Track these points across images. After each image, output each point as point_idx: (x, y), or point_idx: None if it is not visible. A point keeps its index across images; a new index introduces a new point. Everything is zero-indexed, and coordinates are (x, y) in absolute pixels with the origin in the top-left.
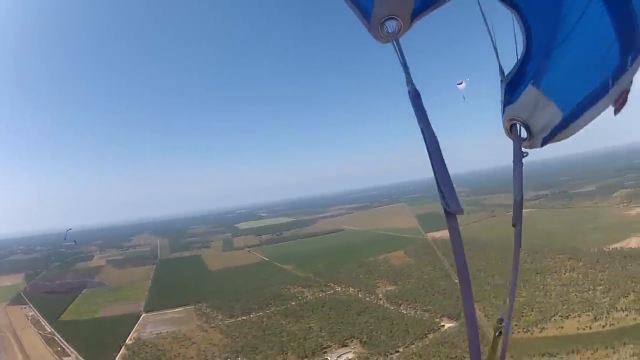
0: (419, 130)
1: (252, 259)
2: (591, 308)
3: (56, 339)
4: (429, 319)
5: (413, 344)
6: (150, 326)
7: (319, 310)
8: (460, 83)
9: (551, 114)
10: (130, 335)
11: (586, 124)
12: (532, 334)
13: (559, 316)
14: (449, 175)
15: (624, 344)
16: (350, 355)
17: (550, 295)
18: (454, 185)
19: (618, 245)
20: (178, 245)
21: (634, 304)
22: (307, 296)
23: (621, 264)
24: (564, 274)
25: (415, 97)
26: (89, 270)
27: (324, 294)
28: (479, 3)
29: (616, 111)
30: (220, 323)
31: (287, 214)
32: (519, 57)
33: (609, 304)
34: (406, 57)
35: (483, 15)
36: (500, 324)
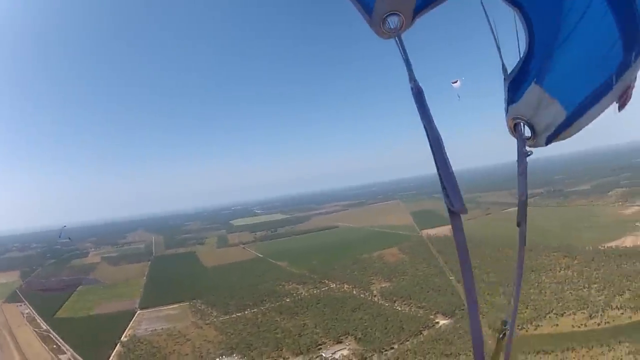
0: (421, 127)
1: (246, 255)
2: (586, 306)
3: (52, 336)
4: (423, 316)
5: (408, 340)
6: (145, 323)
7: (314, 306)
8: (455, 82)
9: (555, 113)
10: (125, 333)
11: (590, 122)
12: (526, 331)
13: (554, 314)
14: (452, 173)
15: (619, 342)
16: (345, 352)
17: (545, 292)
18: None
19: (613, 243)
20: (173, 242)
21: (630, 302)
22: (302, 293)
23: (616, 263)
24: (559, 271)
25: (418, 94)
26: (84, 267)
27: (318, 290)
28: (481, 0)
29: (620, 107)
30: (215, 320)
31: (282, 210)
32: (521, 55)
33: (604, 302)
34: (408, 54)
35: (485, 12)
36: (505, 326)
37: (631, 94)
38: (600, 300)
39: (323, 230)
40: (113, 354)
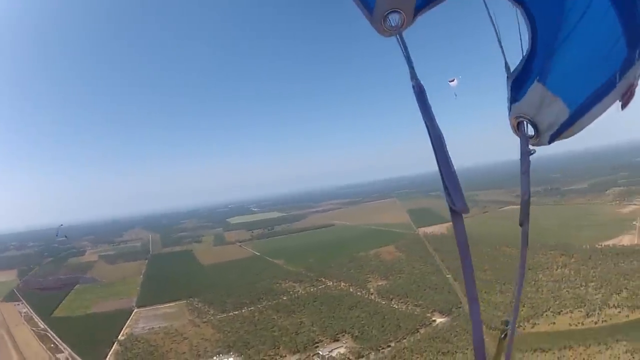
0: (422, 125)
1: (243, 253)
2: (583, 304)
3: (49, 335)
4: (420, 314)
5: (405, 338)
6: (143, 321)
7: (311, 304)
8: (452, 80)
9: (558, 111)
10: (122, 331)
11: (593, 120)
12: (524, 329)
13: (551, 312)
14: (455, 172)
15: (617, 340)
16: (342, 350)
17: (542, 291)
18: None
19: (610, 242)
20: (170, 240)
21: (627, 300)
22: (299, 291)
23: (613, 261)
24: (556, 270)
25: (420, 93)
26: (81, 265)
27: (315, 288)
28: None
29: (623, 106)
30: (212, 318)
31: (278, 208)
32: (524, 53)
33: (601, 301)
34: (410, 52)
35: (488, 10)
36: (506, 326)
37: (634, 92)
38: (597, 298)
39: (319, 228)
40: (110, 353)
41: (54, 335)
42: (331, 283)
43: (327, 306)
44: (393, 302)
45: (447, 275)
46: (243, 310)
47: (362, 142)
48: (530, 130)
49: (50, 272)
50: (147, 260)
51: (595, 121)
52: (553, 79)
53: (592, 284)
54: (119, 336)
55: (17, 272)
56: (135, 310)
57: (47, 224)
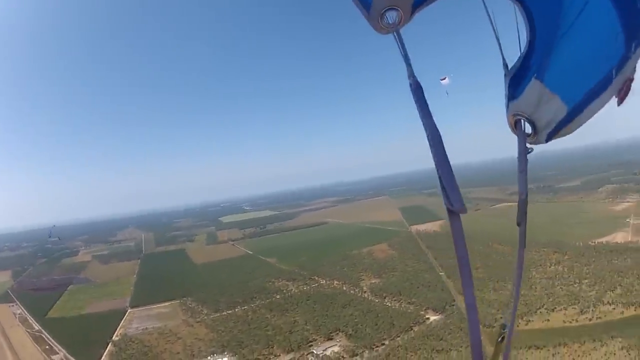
0: (419, 123)
1: (236, 252)
2: (577, 301)
3: (44, 336)
4: (414, 312)
5: (398, 336)
6: (137, 322)
7: (304, 303)
8: (444, 78)
9: (556, 108)
10: (116, 332)
11: (591, 117)
12: (517, 326)
13: (545, 309)
14: (452, 172)
15: (612, 337)
16: (336, 349)
17: (536, 288)
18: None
19: (604, 239)
20: (163, 239)
21: (621, 297)
22: (292, 289)
23: (607, 258)
24: (549, 267)
25: (417, 90)
26: (74, 266)
27: (308, 287)
28: None
29: (619, 102)
30: (205, 317)
31: (270, 207)
32: (522, 51)
33: (595, 298)
34: (407, 49)
35: (486, 7)
36: (503, 329)
37: (630, 87)
38: (591, 295)
39: (312, 226)
40: (105, 354)
41: (49, 336)
42: (324, 281)
43: (320, 305)
44: (386, 300)
45: (440, 273)
46: (236, 310)
47: (359, 139)
48: (528, 128)
49: (44, 273)
50: (140, 260)
51: (590, 118)
52: (551, 76)
53: (586, 281)
54: (113, 337)
55: (11, 272)
56: (129, 310)
57: (43, 224)
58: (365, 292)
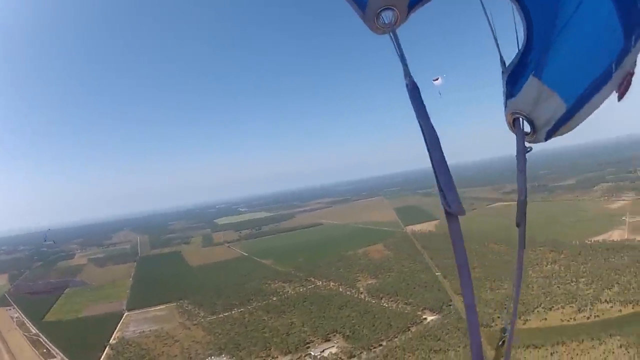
0: (415, 123)
1: (231, 254)
2: (574, 300)
3: (41, 340)
4: (411, 312)
5: (396, 337)
6: (133, 325)
7: (301, 305)
8: (436, 79)
9: (555, 106)
10: (114, 335)
11: (590, 114)
12: (515, 325)
13: (542, 308)
14: (450, 173)
15: (610, 335)
16: (334, 350)
17: (533, 287)
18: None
19: (600, 237)
20: (158, 242)
21: (619, 295)
22: (288, 291)
23: (604, 256)
24: (546, 266)
25: (414, 91)
26: (71, 269)
27: (304, 288)
28: None
29: (620, 97)
30: (202, 320)
31: (266, 208)
32: (519, 48)
33: (592, 296)
34: (403, 49)
35: (482, 4)
36: (504, 333)
37: (631, 81)
38: (588, 294)
39: (307, 227)
40: (102, 357)
41: (46, 340)
42: (320, 283)
43: (317, 306)
44: (383, 301)
45: (437, 273)
46: (233, 312)
47: (358, 138)
48: (527, 127)
49: (40, 276)
50: (136, 263)
51: (590, 115)
52: (549, 73)
53: (583, 279)
54: (110, 340)
55: (8, 276)
56: (126, 313)
57: (38, 226)
58: (361, 293)
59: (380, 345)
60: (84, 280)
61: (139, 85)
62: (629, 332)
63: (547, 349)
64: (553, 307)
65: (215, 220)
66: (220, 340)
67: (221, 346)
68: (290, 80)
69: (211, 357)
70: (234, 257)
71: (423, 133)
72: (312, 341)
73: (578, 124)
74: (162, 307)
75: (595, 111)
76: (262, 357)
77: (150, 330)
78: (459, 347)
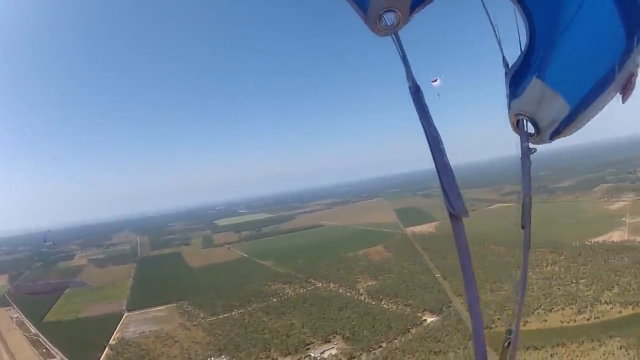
0: (415, 125)
1: (232, 255)
2: (574, 301)
3: (41, 340)
4: (410, 314)
5: (396, 339)
6: (133, 325)
7: (301, 306)
8: (435, 80)
9: (558, 107)
10: (113, 335)
11: (594, 115)
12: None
13: (542, 309)
14: (453, 175)
15: (610, 336)
16: (334, 351)
17: (533, 288)
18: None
19: (600, 239)
20: (158, 243)
21: (619, 297)
22: (288, 292)
23: (604, 258)
24: (546, 267)
25: (416, 93)
26: (70, 269)
27: (304, 290)
28: None
29: (624, 98)
30: (202, 321)
31: (266, 210)
32: (522, 49)
33: (592, 297)
34: (406, 51)
35: (484, 6)
36: (509, 334)
37: (634, 83)
38: (588, 295)
39: (308, 229)
40: (102, 357)
41: (46, 340)
42: (320, 284)
43: (317, 307)
44: (383, 302)
45: (437, 275)
46: (233, 313)
47: (358, 138)
48: (530, 128)
49: (40, 277)
50: (136, 264)
51: (595, 116)
52: (552, 74)
53: (583, 280)
54: (110, 340)
55: (8, 277)
56: (126, 314)
57: (38, 227)
58: (361, 294)
59: (380, 346)
60: (84, 281)
61: (139, 85)
62: (629, 334)
63: (547, 351)
64: (553, 308)
65: (215, 222)
66: (220, 341)
67: (221, 347)
68: (290, 80)
69: (211, 358)
70: (234, 259)
71: (426, 135)
72: (312, 342)
73: (583, 125)
74: (162, 307)
75: (602, 111)
76: (261, 358)
77: (150, 331)
78: (459, 348)
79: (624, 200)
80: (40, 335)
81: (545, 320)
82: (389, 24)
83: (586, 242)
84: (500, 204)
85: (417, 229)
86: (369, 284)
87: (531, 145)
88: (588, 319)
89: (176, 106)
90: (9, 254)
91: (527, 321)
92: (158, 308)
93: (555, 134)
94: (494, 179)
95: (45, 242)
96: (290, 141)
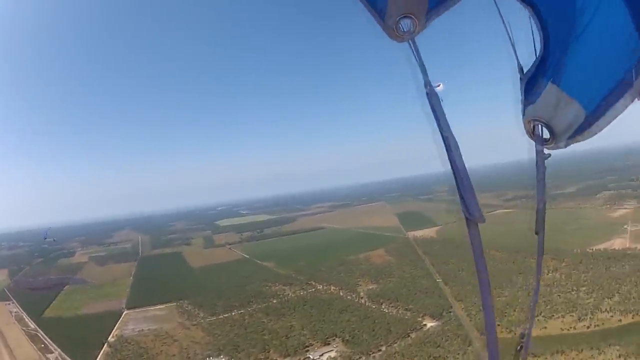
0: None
1: (233, 256)
2: (575, 309)
3: (40, 335)
4: (411, 318)
5: (395, 343)
6: (132, 323)
7: (301, 308)
8: (438, 85)
9: (574, 113)
10: (112, 333)
11: (611, 121)
12: (515, 334)
13: (542, 316)
14: (470, 181)
15: (609, 345)
16: (333, 354)
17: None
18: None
19: (602, 246)
20: (159, 242)
21: (619, 305)
22: (289, 294)
23: (605, 265)
24: (547, 274)
25: (434, 98)
26: (71, 266)
27: (305, 292)
28: (494, 1)
29: None
30: (202, 321)
31: (267, 211)
32: (537, 54)
33: (593, 305)
34: (422, 57)
35: (500, 12)
36: (522, 338)
37: None
38: (589, 303)
39: (309, 231)
40: (100, 354)
41: (44, 335)
42: (321, 286)
43: (317, 310)
44: (383, 306)
45: (438, 279)
46: (233, 313)
47: (358, 138)
48: (546, 134)
49: (40, 273)
50: (136, 262)
51: (612, 122)
52: (568, 80)
53: (584, 288)
54: (109, 338)
55: (8, 271)
56: (125, 312)
57: (39, 224)
58: (362, 297)
59: (380, 350)
60: (84, 278)
61: (139, 85)
62: (629, 342)
63: (546, 358)
64: (553, 315)
65: (216, 222)
66: (219, 341)
67: (220, 347)
68: (290, 80)
69: (210, 358)
70: (235, 259)
71: (443, 140)
72: (311, 345)
73: (599, 131)
74: (161, 306)
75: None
76: (260, 359)
77: (149, 329)
78: (459, 354)
79: (625, 208)
80: (39, 331)
81: (545, 327)
82: (405, 30)
83: (587, 250)
84: (503, 210)
85: (419, 233)
86: (370, 287)
87: (546, 151)
88: (588, 327)
89: (176, 106)
90: (9, 250)
91: (526, 328)
92: (158, 307)
93: (572, 139)
94: (497, 185)
95: (45, 238)
96: (290, 141)
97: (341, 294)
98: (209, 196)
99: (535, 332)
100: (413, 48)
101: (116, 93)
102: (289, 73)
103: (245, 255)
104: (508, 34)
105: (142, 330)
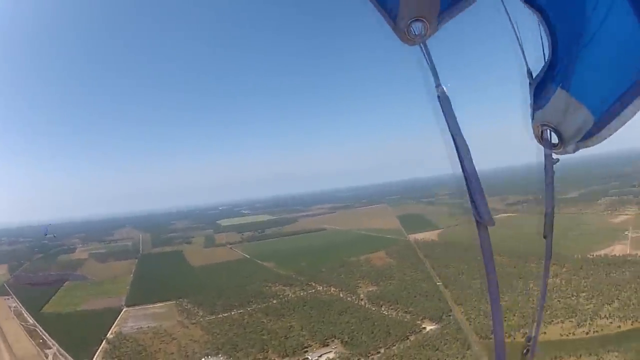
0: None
1: (233, 255)
2: (574, 314)
3: (38, 330)
4: (410, 321)
5: (394, 345)
6: (132, 321)
7: (300, 309)
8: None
9: (583, 118)
10: (111, 330)
11: (620, 127)
12: (514, 338)
13: (542, 322)
14: (480, 184)
15: (608, 351)
16: (331, 355)
17: (532, 300)
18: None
19: (602, 252)
20: (160, 240)
21: (618, 311)
22: (289, 294)
23: (605, 271)
24: (547, 279)
25: (445, 102)
26: (71, 263)
27: (305, 292)
28: (504, 6)
29: None
30: (201, 319)
31: (269, 211)
32: (546, 59)
33: (592, 311)
34: (434, 60)
35: (509, 17)
36: (528, 341)
37: None
38: (588, 308)
39: (310, 232)
40: (99, 351)
41: (43, 330)
42: (321, 287)
43: (317, 311)
44: (383, 308)
45: (438, 283)
46: (232, 313)
47: (358, 138)
48: (554, 139)
49: (40, 268)
50: (137, 260)
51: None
52: (576, 85)
53: (584, 294)
54: (108, 334)
55: (8, 267)
56: (125, 309)
57: (40, 220)
58: (362, 299)
59: (378, 352)
60: (84, 275)
61: (139, 85)
62: (628, 348)
63: None
64: (553, 320)
65: (217, 222)
66: (218, 340)
67: (219, 346)
68: (290, 80)
69: (208, 357)
70: (236, 259)
71: (455, 144)
72: (310, 345)
73: (608, 136)
74: (161, 304)
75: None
76: (259, 359)
77: (148, 327)
78: (457, 358)
79: (627, 214)
80: (38, 326)
81: (545, 333)
82: (416, 33)
83: (588, 255)
84: (505, 214)
85: (420, 236)
86: (370, 289)
87: (554, 156)
88: (587, 333)
89: (176, 106)
90: (9, 245)
91: (525, 332)
92: (157, 305)
93: (580, 144)
94: (499, 189)
95: (46, 235)
96: (290, 141)
97: (341, 295)
98: (210, 196)
99: None
100: (424, 51)
101: (116, 93)
102: (289, 73)
103: (246, 255)
104: (517, 39)
105: (141, 327)
